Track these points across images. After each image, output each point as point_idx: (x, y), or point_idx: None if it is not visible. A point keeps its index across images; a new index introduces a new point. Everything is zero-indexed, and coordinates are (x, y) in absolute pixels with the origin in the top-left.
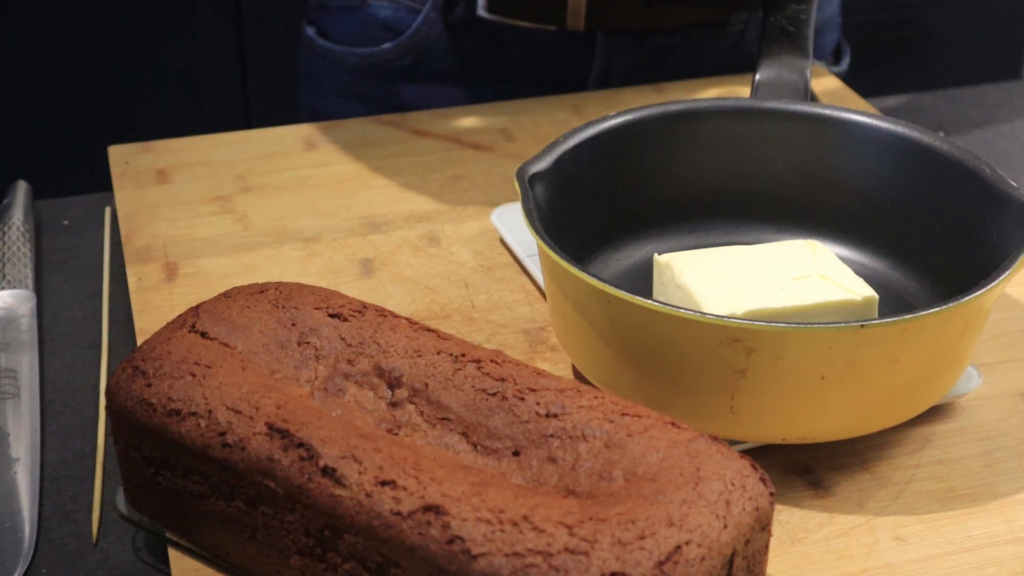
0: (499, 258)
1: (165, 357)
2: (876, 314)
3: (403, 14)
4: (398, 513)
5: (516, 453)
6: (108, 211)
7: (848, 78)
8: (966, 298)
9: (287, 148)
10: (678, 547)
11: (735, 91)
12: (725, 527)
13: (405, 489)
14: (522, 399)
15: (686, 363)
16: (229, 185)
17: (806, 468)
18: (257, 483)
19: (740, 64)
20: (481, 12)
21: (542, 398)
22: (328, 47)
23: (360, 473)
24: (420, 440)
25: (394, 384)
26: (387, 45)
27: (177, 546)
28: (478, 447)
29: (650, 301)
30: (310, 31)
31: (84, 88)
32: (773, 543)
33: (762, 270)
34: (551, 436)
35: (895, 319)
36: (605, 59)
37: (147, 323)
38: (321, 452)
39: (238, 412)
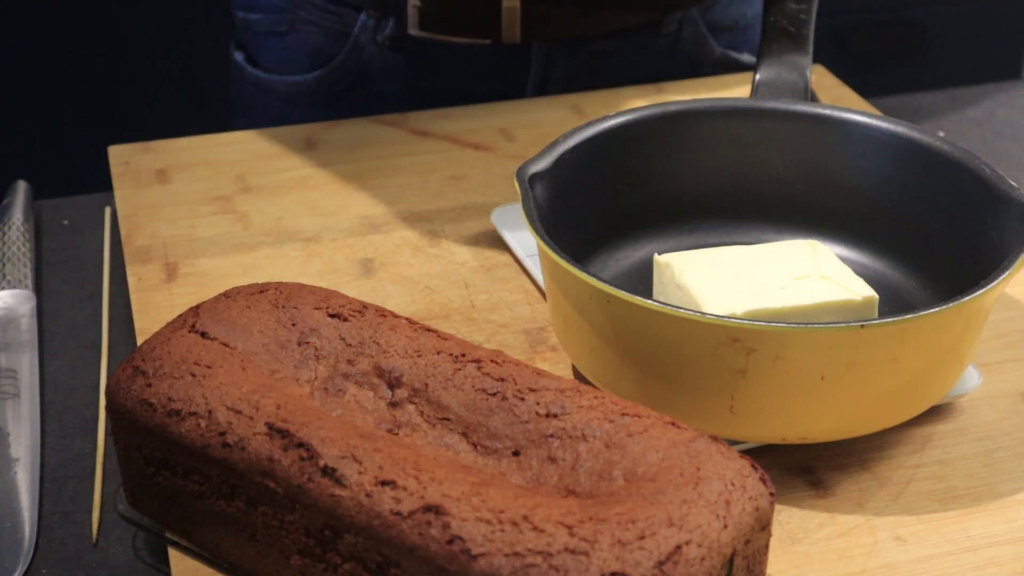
0: (499, 258)
1: (165, 357)
2: (876, 314)
3: (332, 39)
4: (398, 513)
5: (516, 453)
6: (108, 211)
7: (848, 78)
8: (966, 298)
9: (287, 148)
10: (678, 547)
11: (733, 91)
12: (725, 527)
13: (405, 489)
14: (522, 399)
15: (686, 363)
16: (229, 185)
17: (806, 468)
18: (257, 483)
19: (677, 64)
20: (412, 31)
21: (542, 398)
22: (258, 75)
23: (360, 473)
24: (420, 440)
25: (394, 384)
26: (318, 72)
27: (177, 546)
28: (478, 447)
29: (650, 301)
30: (238, 56)
31: (84, 88)
32: (773, 543)
33: (762, 270)
34: (551, 436)
35: (895, 319)
36: (541, 68)
37: (147, 323)
38: (321, 452)
39: (238, 412)
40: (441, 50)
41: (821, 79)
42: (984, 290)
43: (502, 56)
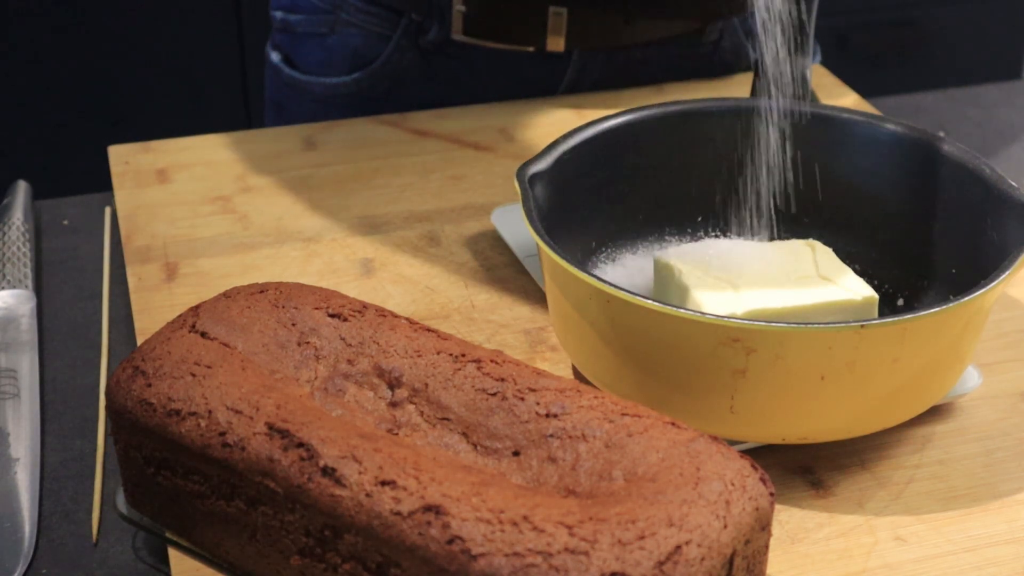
0: (499, 258)
1: (165, 357)
2: (876, 314)
3: (373, 41)
4: (398, 513)
5: (516, 453)
6: (108, 211)
7: (848, 78)
8: (966, 298)
9: (287, 148)
10: (678, 547)
11: (733, 91)
12: (725, 527)
13: (405, 489)
14: (522, 399)
15: (686, 363)
16: (229, 185)
17: (806, 468)
18: (257, 483)
19: (712, 71)
20: (456, 36)
21: (542, 398)
22: (295, 76)
23: (360, 473)
24: (420, 440)
25: (394, 384)
26: (357, 75)
27: (177, 546)
28: (478, 447)
29: (650, 301)
30: (275, 57)
31: (84, 88)
32: (773, 543)
33: (762, 270)
34: (551, 436)
35: (895, 319)
36: (576, 73)
37: (147, 323)
38: (321, 452)
39: (238, 412)
40: (481, 55)
41: (821, 79)
42: (984, 290)
43: (540, 62)
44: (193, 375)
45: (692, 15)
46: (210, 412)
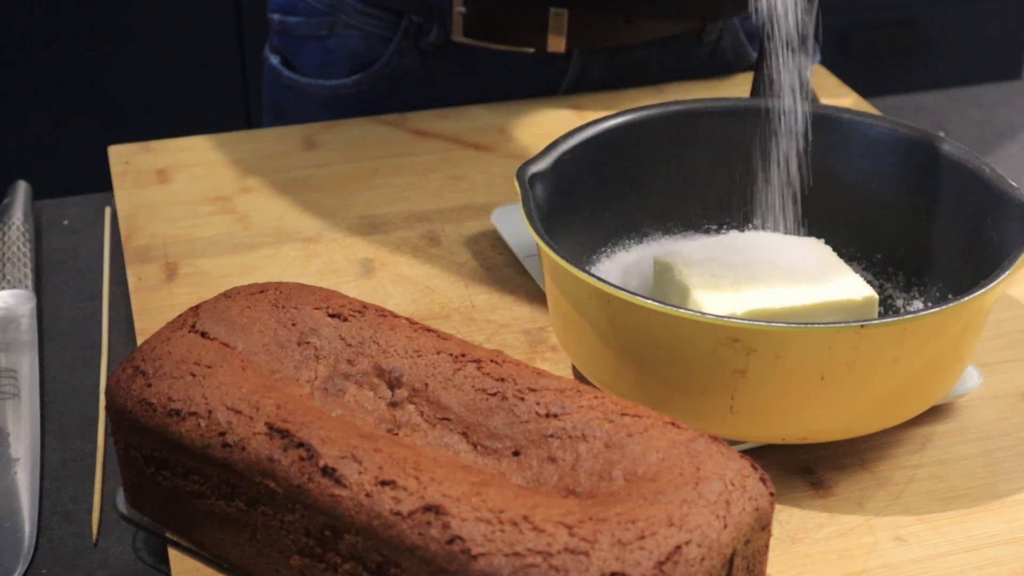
0: (499, 258)
1: (165, 357)
2: (876, 314)
3: (373, 43)
4: (398, 513)
5: (516, 453)
6: (108, 211)
7: (848, 78)
8: (966, 298)
9: (287, 148)
10: (678, 547)
11: (733, 91)
12: (725, 527)
13: (405, 489)
14: (522, 399)
15: (686, 363)
16: (229, 185)
17: (806, 468)
18: (257, 483)
19: (712, 71)
20: (456, 37)
21: (542, 398)
22: (294, 79)
23: (360, 473)
24: (420, 440)
25: (394, 384)
26: (357, 76)
27: (177, 546)
28: (478, 447)
29: (650, 301)
30: (274, 60)
31: (84, 88)
32: (773, 543)
33: (762, 270)
34: (551, 436)
35: (895, 319)
36: (576, 74)
37: (147, 323)
38: (321, 452)
39: (238, 412)
40: (482, 57)
41: (821, 79)
42: (984, 290)
43: (541, 63)
44: (193, 375)
45: (692, 15)
46: (210, 412)
